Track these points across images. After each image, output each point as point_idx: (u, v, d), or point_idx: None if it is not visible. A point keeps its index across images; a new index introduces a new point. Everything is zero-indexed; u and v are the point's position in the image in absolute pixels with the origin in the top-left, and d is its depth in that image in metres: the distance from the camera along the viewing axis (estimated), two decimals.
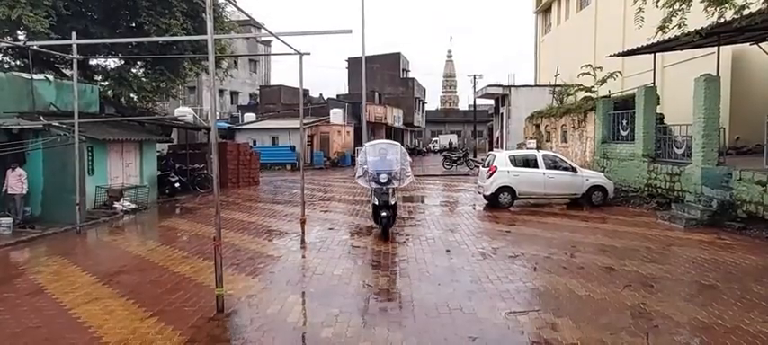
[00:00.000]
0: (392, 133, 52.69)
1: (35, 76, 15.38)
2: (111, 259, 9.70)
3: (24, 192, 12.63)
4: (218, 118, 22.86)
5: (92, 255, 10.38)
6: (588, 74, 20.95)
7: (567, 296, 6.77)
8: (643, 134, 15.03)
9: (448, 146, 55.02)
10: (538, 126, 25.68)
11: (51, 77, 16.33)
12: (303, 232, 11.24)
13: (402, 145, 13.21)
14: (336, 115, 37.75)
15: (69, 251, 10.27)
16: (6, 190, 12.45)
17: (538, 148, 18.24)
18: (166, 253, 9.71)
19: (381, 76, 54.40)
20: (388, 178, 10.51)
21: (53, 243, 11.02)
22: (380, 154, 11.28)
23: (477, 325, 5.78)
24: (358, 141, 34.93)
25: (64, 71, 19.47)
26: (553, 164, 14.91)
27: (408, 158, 11.44)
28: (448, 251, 9.53)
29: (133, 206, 15.09)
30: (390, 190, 10.47)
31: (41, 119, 13.87)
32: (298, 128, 19.82)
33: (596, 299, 6.59)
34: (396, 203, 10.84)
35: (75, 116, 12.32)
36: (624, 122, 16.65)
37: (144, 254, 9.72)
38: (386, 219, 10.34)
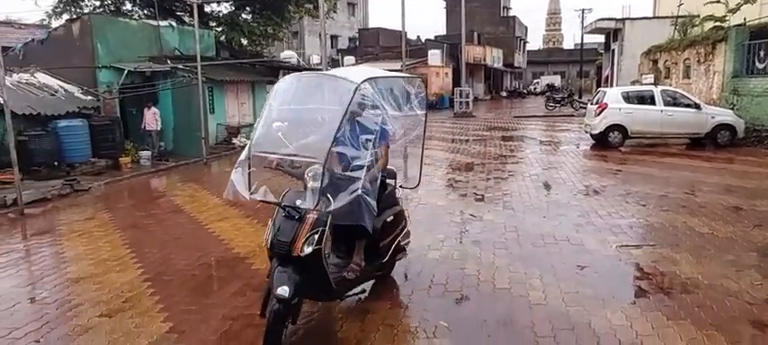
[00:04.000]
0: (491, 74, 51.09)
1: (161, 23, 16.86)
2: None
3: (159, 129, 14.16)
4: (319, 60, 23.64)
5: (218, 183, 11.45)
6: (718, 1, 18.56)
7: (687, 233, 6.41)
8: None
9: (550, 87, 52.33)
10: (655, 61, 23.47)
11: (174, 24, 17.76)
12: (406, 167, 11.53)
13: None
14: (434, 56, 37.24)
15: (199, 178, 11.49)
16: (145, 126, 14.03)
17: (655, 84, 16.79)
18: None
19: (480, 15, 52.27)
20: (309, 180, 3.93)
21: (185, 173, 12.38)
22: (304, 105, 4.37)
23: (587, 256, 5.71)
24: (456, 82, 34.35)
25: (183, 19, 21.07)
26: (673, 101, 13.71)
27: (416, 110, 4.82)
28: (550, 186, 9.33)
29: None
30: (311, 217, 3.77)
31: (168, 62, 15.27)
32: (396, 70, 19.97)
33: (720, 237, 6.18)
34: (318, 255, 3.77)
35: (198, 59, 13.43)
36: (761, 53, 14.71)
37: None
38: (273, 315, 3.56)
